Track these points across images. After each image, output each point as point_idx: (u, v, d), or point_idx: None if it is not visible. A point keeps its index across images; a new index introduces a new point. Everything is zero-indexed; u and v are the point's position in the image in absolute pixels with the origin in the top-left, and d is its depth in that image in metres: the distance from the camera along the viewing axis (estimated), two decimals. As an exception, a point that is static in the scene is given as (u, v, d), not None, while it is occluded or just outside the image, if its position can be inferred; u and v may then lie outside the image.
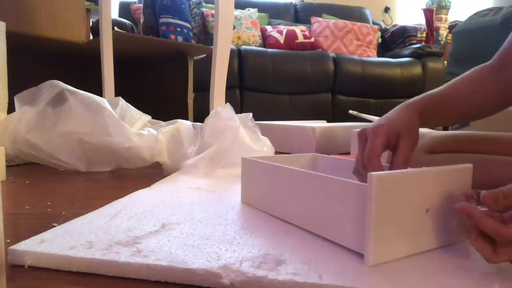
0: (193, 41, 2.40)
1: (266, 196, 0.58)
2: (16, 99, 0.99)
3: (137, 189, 0.72)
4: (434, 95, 0.61)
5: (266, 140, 1.09)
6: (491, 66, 0.65)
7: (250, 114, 1.07)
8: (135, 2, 2.75)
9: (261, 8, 3.01)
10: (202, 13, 2.63)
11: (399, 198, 0.40)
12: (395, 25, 3.33)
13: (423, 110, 0.57)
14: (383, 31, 3.28)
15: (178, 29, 2.28)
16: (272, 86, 2.39)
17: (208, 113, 1.04)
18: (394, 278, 0.37)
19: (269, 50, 2.50)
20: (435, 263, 0.41)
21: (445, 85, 0.64)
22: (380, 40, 3.13)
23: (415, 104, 0.57)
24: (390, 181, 0.39)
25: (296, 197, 0.51)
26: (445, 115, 0.62)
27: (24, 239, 0.43)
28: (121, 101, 1.11)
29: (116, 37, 1.46)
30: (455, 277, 0.37)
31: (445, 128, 1.62)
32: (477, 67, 0.66)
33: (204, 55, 1.86)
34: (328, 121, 2.02)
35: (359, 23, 2.98)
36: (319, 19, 2.97)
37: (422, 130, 1.48)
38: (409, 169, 0.44)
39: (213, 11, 2.35)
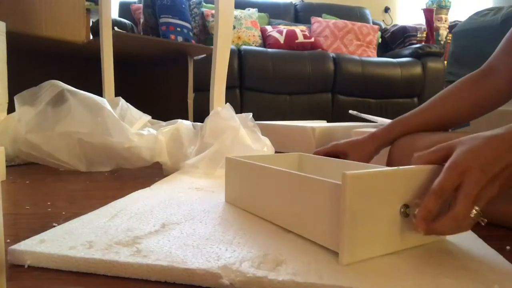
0: (193, 41, 2.40)
1: (247, 195, 0.58)
2: (16, 99, 0.99)
3: (137, 189, 0.72)
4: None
5: (266, 140, 1.09)
6: (480, 71, 0.70)
7: (250, 114, 1.07)
8: (135, 2, 2.75)
9: (261, 8, 3.01)
10: (202, 13, 2.63)
11: (373, 196, 0.40)
12: (395, 25, 3.33)
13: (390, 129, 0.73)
14: (383, 31, 3.27)
15: (178, 29, 2.28)
16: (272, 86, 2.39)
17: (208, 113, 1.04)
18: (392, 278, 0.37)
19: (269, 50, 2.50)
20: (434, 263, 0.41)
21: None
22: (380, 40, 3.13)
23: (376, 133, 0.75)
24: (364, 179, 0.40)
25: (275, 196, 0.51)
26: (423, 115, 0.72)
27: (24, 239, 0.43)
28: (121, 101, 1.11)
29: (116, 37, 1.46)
30: (455, 277, 0.37)
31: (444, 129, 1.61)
32: (463, 77, 0.73)
33: (204, 55, 1.86)
34: (328, 121, 2.02)
35: (359, 23, 2.97)
36: (319, 19, 2.97)
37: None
38: (384, 168, 0.44)
39: (213, 11, 2.35)
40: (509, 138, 0.41)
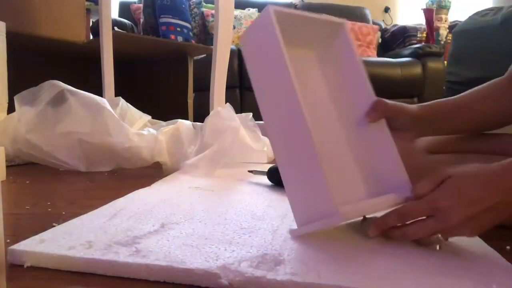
0: (193, 41, 2.40)
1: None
2: (16, 99, 0.99)
3: (137, 189, 0.72)
4: (444, 100, 0.63)
5: (266, 140, 1.09)
6: (507, 79, 0.64)
7: (250, 114, 1.07)
8: (135, 2, 2.75)
9: (261, 8, 2.99)
10: (202, 13, 2.63)
11: None
12: (395, 25, 3.33)
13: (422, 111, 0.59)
14: (383, 31, 3.27)
15: (178, 29, 2.28)
16: (272, 86, 2.39)
17: (208, 113, 1.04)
18: (392, 277, 0.37)
19: (269, 50, 2.50)
20: (434, 262, 0.41)
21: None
22: (380, 40, 3.13)
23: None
24: None
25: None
26: (454, 118, 0.63)
27: (24, 239, 0.43)
28: (121, 101, 1.11)
29: (116, 37, 1.46)
30: (453, 276, 0.37)
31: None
32: (493, 80, 0.65)
33: (204, 55, 1.86)
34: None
35: (359, 23, 2.97)
36: (319, 19, 2.97)
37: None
38: None
39: (213, 11, 2.35)
40: (496, 180, 0.41)
